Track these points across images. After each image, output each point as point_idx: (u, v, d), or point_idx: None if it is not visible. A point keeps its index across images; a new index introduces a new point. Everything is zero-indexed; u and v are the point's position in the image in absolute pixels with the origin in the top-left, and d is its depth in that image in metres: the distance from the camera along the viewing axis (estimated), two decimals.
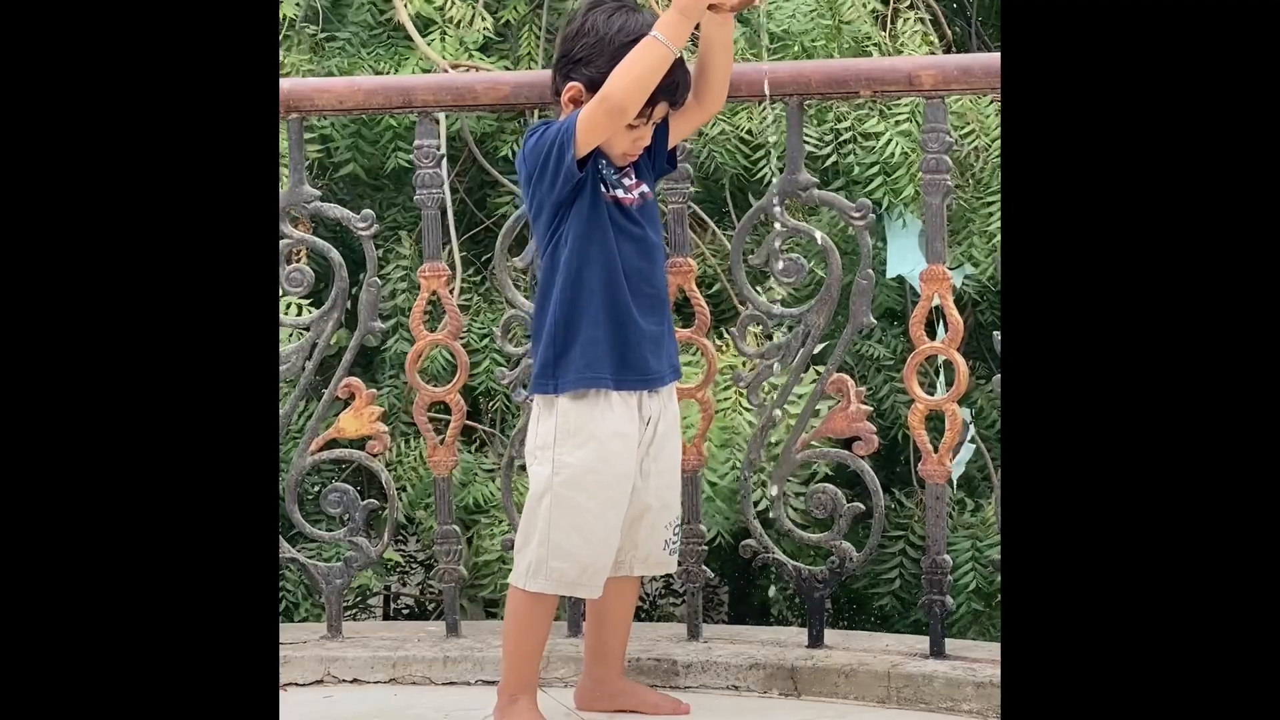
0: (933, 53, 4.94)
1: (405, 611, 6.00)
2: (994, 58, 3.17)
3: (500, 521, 4.54)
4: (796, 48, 4.88)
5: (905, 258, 4.46)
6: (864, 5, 4.96)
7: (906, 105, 4.85)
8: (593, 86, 2.85)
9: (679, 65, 2.87)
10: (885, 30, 5.01)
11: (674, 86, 2.89)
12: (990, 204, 4.72)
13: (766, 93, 3.11)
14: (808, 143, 4.85)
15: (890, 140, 4.72)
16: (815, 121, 4.82)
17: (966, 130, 4.77)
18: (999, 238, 4.61)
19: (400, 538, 5.48)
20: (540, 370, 2.93)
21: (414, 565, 5.83)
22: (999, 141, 4.77)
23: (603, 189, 2.91)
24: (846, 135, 4.82)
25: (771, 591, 5.10)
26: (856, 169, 4.81)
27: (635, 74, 2.79)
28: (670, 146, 3.05)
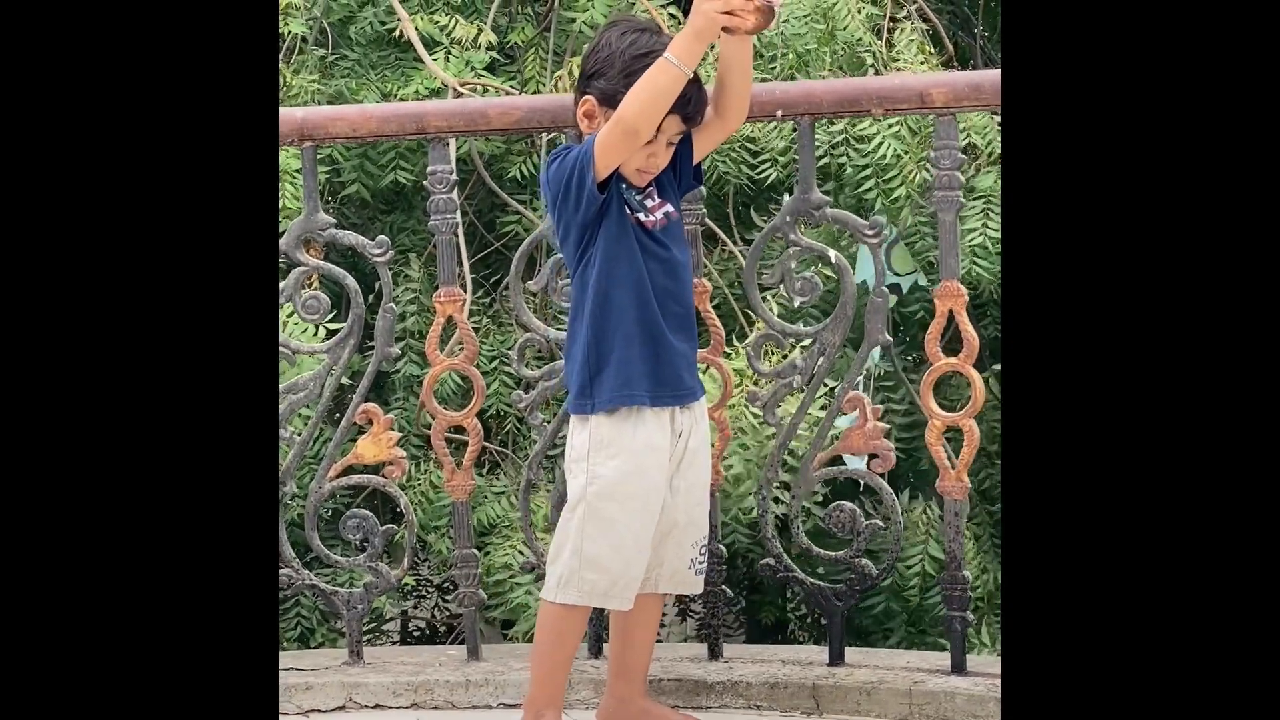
0: (930, 64, 4.95)
1: (416, 635, 5.99)
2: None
3: (509, 540, 4.56)
4: (791, 55, 4.89)
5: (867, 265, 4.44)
6: (858, 11, 4.96)
7: None
8: (604, 99, 2.88)
9: (691, 82, 2.88)
10: (882, 39, 5.02)
11: (685, 102, 2.90)
12: (964, 217, 4.67)
13: (779, 114, 3.11)
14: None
15: (883, 143, 4.73)
16: None
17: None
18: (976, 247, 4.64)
19: (413, 561, 5.49)
20: (579, 391, 2.96)
21: (428, 588, 5.83)
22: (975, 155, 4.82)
23: (627, 211, 2.92)
24: (839, 138, 4.83)
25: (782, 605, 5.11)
26: (849, 170, 4.82)
27: (648, 96, 2.81)
28: (695, 163, 3.06)
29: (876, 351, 3.74)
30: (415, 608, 6.10)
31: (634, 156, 2.91)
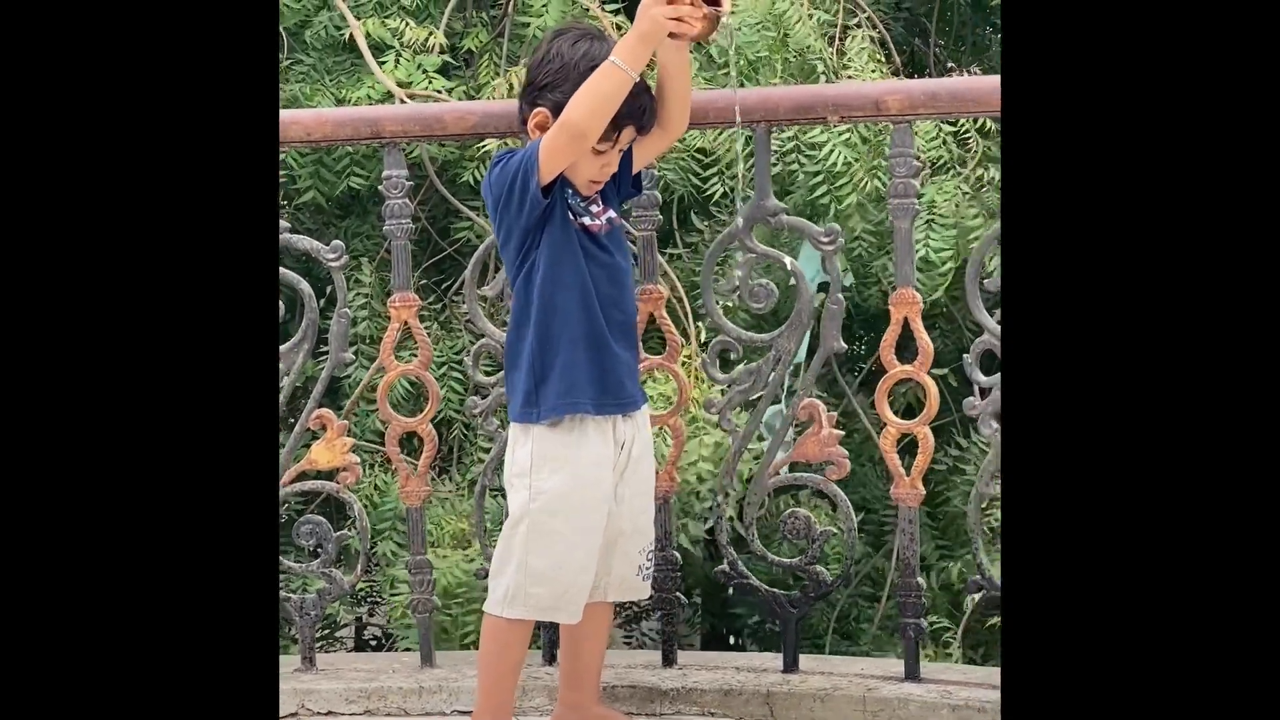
0: (881, 73, 4.96)
1: (372, 643, 5.97)
2: (959, 82, 3.22)
3: (459, 547, 4.55)
4: (742, 61, 4.90)
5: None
6: (809, 17, 4.97)
7: None
8: (559, 112, 2.83)
9: (643, 90, 2.87)
10: (833, 47, 5.03)
11: (640, 111, 2.89)
12: (919, 227, 4.68)
13: (738, 119, 3.11)
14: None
15: (833, 150, 4.74)
16: None
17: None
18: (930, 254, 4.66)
19: (366, 567, 5.46)
20: (524, 399, 2.93)
21: (374, 594, 5.81)
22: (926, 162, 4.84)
23: (570, 216, 2.91)
24: (789, 145, 4.83)
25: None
26: (800, 178, 4.83)
27: (595, 99, 2.78)
28: (635, 171, 3.05)
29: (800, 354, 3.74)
30: (370, 614, 6.09)
31: (587, 166, 2.90)
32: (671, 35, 2.78)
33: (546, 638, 3.43)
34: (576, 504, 2.92)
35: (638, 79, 2.81)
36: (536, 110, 2.90)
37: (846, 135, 4.74)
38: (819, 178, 4.76)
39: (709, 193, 4.88)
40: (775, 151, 4.73)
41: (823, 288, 4.34)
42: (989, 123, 4.86)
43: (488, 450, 5.06)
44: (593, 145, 2.85)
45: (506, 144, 3.38)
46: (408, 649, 4.30)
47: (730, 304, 3.61)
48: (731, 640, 5.47)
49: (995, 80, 3.14)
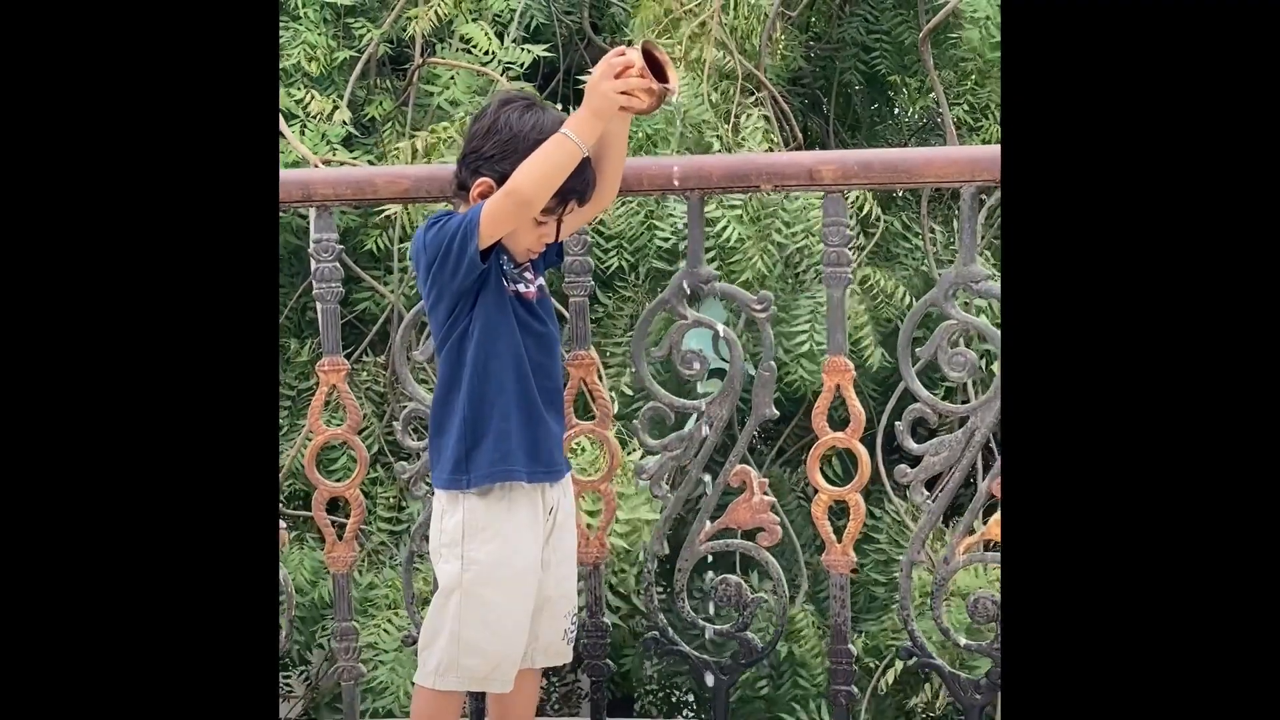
0: (775, 148, 5.04)
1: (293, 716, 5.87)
2: (892, 153, 3.25)
3: (379, 615, 4.51)
4: (640, 134, 4.94)
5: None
6: (705, 93, 5.03)
7: (740, 197, 4.93)
8: (504, 182, 2.82)
9: (587, 164, 2.88)
10: (729, 123, 5.10)
11: (585, 186, 2.90)
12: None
13: (677, 185, 3.13)
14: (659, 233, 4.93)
15: (728, 225, 4.79)
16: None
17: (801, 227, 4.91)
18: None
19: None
20: (454, 466, 2.90)
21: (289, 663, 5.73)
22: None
23: (505, 283, 2.90)
24: (684, 220, 4.88)
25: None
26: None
27: (544, 169, 2.78)
28: (558, 241, 3.04)
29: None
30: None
31: (526, 236, 2.89)
32: (621, 109, 2.80)
33: (474, 706, 3.40)
34: (508, 573, 2.90)
35: (587, 153, 2.82)
36: (480, 180, 2.88)
37: (739, 211, 4.80)
38: (711, 253, 4.81)
39: (608, 264, 4.93)
40: (669, 226, 4.78)
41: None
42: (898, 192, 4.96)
43: (388, 519, 5.07)
44: (535, 215, 2.85)
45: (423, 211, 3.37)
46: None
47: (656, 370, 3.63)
48: (637, 707, 5.45)
49: (927, 153, 3.21)
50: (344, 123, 5.01)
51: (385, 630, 4.62)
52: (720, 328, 3.32)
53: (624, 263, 5.02)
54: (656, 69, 2.78)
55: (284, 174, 3.82)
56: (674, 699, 5.46)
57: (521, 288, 2.92)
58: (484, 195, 2.87)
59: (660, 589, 3.51)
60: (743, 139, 5.04)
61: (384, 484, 5.12)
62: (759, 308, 3.29)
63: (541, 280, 3.00)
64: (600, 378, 3.36)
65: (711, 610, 3.60)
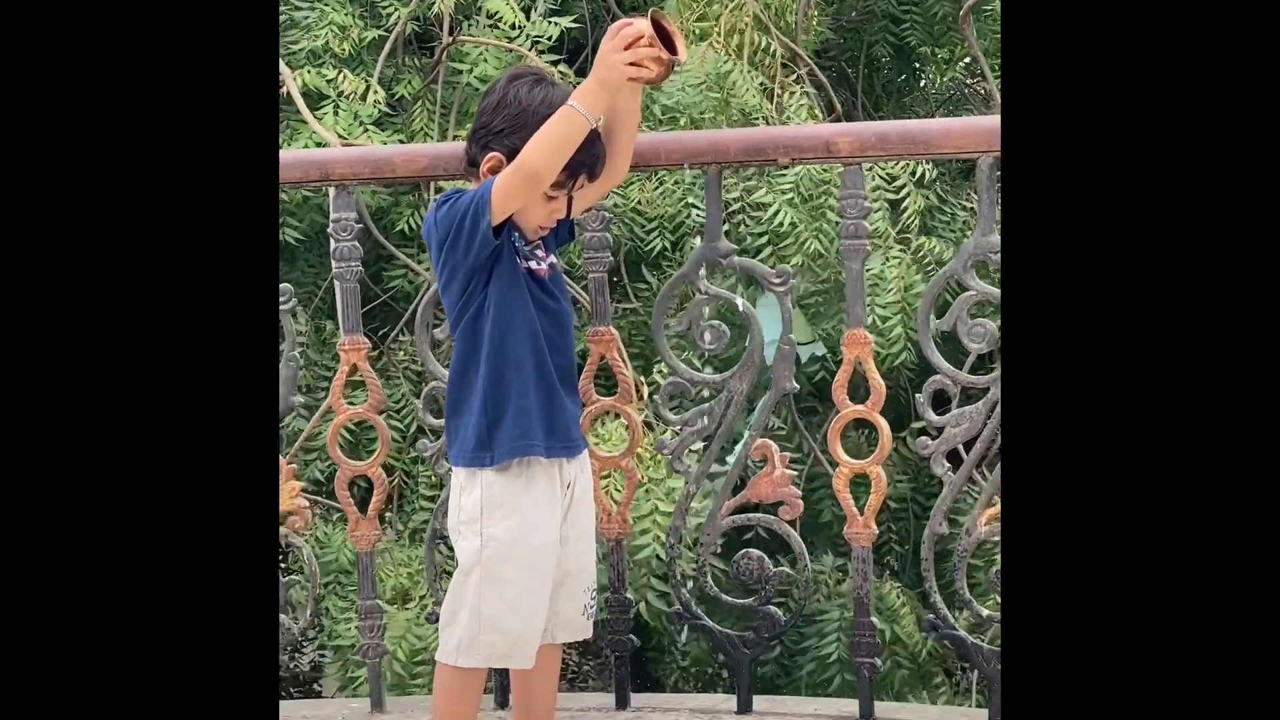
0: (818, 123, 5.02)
1: (297, 692, 5.92)
2: (910, 125, 3.24)
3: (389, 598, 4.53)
4: (685, 120, 4.94)
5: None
6: (749, 75, 5.02)
7: (792, 177, 4.92)
8: (514, 157, 2.82)
9: (597, 137, 2.87)
10: (774, 103, 5.09)
11: (594, 160, 2.89)
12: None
13: (694, 159, 3.12)
14: (697, 213, 4.92)
15: (779, 210, 4.78)
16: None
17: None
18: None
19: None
20: (476, 443, 2.90)
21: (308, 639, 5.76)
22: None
23: (518, 260, 2.90)
24: (736, 206, 4.87)
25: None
26: (748, 239, 4.86)
27: (553, 143, 2.78)
28: (571, 218, 3.04)
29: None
30: (291, 661, 6.04)
31: (537, 212, 2.89)
32: (629, 80, 2.79)
33: (498, 682, 3.41)
34: (527, 549, 2.90)
35: (595, 124, 2.81)
36: (490, 155, 2.88)
37: (790, 195, 4.78)
38: (764, 238, 4.80)
39: (650, 245, 4.93)
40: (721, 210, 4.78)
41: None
42: (927, 173, 4.93)
43: (430, 498, 5.08)
44: (546, 190, 2.85)
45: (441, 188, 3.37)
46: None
47: (680, 346, 3.62)
48: (673, 683, 5.46)
49: (945, 123, 3.19)
50: (377, 103, 5.01)
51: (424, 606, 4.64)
52: (740, 302, 3.31)
53: (666, 243, 5.02)
54: (665, 39, 2.77)
55: (302, 154, 3.85)
56: (709, 673, 5.47)
57: (534, 265, 2.92)
58: (494, 170, 2.86)
59: (693, 563, 3.50)
60: (788, 117, 5.03)
61: (425, 462, 5.14)
62: (777, 281, 3.27)
63: (554, 258, 2.99)
64: (620, 354, 3.34)
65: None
